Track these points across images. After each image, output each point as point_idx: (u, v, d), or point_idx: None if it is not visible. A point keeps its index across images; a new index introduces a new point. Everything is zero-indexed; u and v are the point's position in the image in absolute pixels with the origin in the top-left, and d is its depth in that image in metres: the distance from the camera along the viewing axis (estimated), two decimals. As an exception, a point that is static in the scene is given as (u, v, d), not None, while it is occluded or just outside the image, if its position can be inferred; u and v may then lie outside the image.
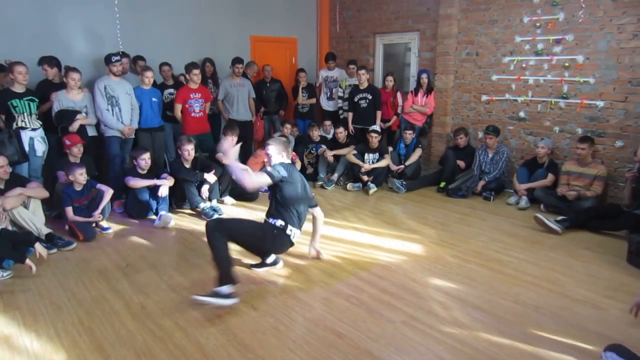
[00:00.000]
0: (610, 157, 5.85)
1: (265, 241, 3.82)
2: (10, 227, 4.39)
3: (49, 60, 5.74)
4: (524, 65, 6.51)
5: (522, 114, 6.66)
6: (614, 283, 3.94)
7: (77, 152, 5.29)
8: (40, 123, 5.49)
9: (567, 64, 6.08)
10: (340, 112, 8.21)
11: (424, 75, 7.41)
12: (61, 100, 5.53)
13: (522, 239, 4.94)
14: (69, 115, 5.53)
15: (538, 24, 6.26)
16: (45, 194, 4.92)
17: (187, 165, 5.82)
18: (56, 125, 5.57)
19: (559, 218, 5.21)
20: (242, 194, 6.19)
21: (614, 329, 3.24)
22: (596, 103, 5.89)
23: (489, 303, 3.57)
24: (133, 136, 6.14)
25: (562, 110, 6.24)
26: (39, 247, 4.12)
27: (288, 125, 7.52)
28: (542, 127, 6.47)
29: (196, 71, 6.49)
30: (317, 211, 4.28)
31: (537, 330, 3.20)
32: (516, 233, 5.13)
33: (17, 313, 3.44)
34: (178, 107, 6.55)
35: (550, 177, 5.97)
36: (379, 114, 7.53)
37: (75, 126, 5.55)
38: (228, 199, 6.24)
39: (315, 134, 7.46)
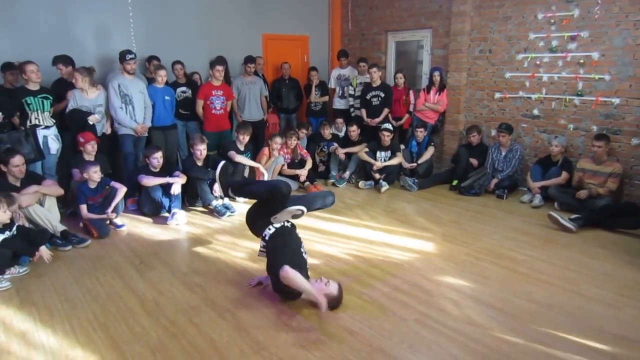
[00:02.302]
0: (626, 154, 5.78)
1: None
2: (26, 225, 4.44)
3: (64, 60, 5.79)
4: (538, 62, 6.45)
5: (536, 112, 6.60)
6: (630, 282, 3.89)
7: (91, 150, 5.33)
8: (54, 121, 5.55)
9: (582, 61, 6.01)
10: (352, 110, 8.21)
11: (437, 73, 7.38)
12: (77, 99, 5.58)
13: (535, 237, 4.90)
14: (81, 115, 5.58)
15: (552, 21, 6.19)
16: (60, 191, 4.97)
17: (200, 164, 5.85)
18: (67, 125, 5.63)
19: (573, 216, 5.16)
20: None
21: (629, 328, 3.20)
22: (612, 100, 5.82)
23: (502, 301, 3.55)
24: (146, 134, 6.18)
25: (576, 108, 6.18)
26: (43, 250, 4.12)
27: (304, 130, 7.54)
28: (557, 125, 6.40)
29: (220, 67, 6.52)
30: None
31: (551, 329, 3.18)
32: (530, 231, 5.09)
33: (33, 309, 3.49)
34: (200, 103, 6.60)
35: (565, 175, 5.92)
36: (386, 110, 7.53)
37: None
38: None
39: (327, 132, 7.47)
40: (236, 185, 4.25)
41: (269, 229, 3.62)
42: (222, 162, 4.24)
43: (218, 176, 4.19)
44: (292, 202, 3.77)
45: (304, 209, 3.69)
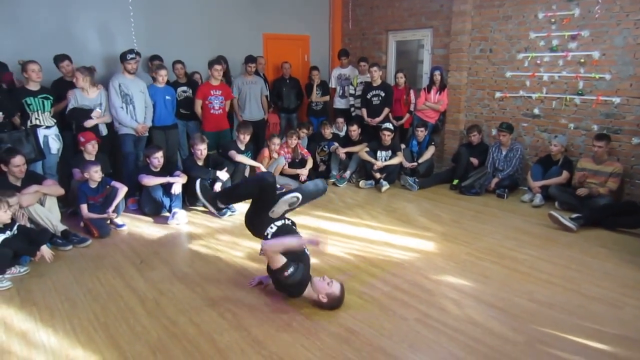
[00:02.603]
0: (627, 154, 5.77)
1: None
2: (27, 225, 4.44)
3: (68, 57, 5.78)
4: (538, 61, 6.45)
5: (536, 111, 6.59)
6: (631, 281, 3.89)
7: (92, 149, 5.33)
8: (55, 121, 5.55)
9: (582, 60, 6.01)
10: (352, 109, 8.21)
11: (437, 72, 7.37)
12: (77, 98, 5.58)
13: (536, 237, 4.90)
14: (83, 113, 5.58)
15: (553, 20, 6.19)
16: (60, 191, 4.97)
17: (200, 163, 5.85)
18: (69, 122, 5.63)
19: (574, 215, 5.16)
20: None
21: (630, 327, 3.20)
22: (612, 99, 5.82)
23: (503, 301, 3.55)
24: (147, 134, 6.18)
25: (577, 107, 6.17)
26: (44, 250, 4.13)
27: (305, 130, 7.53)
28: (557, 124, 6.40)
29: (218, 67, 6.52)
30: None
31: (552, 328, 3.17)
32: (530, 231, 5.08)
33: (34, 309, 3.48)
34: (198, 103, 6.59)
35: (565, 174, 5.91)
36: (386, 110, 7.53)
37: (90, 123, 5.60)
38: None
39: (328, 131, 7.46)
40: (222, 194, 4.21)
41: (271, 228, 3.59)
42: (198, 181, 4.19)
43: (200, 195, 4.14)
44: (284, 195, 3.75)
45: (299, 195, 3.67)
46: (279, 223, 3.64)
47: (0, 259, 3.87)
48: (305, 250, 3.58)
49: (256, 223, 3.72)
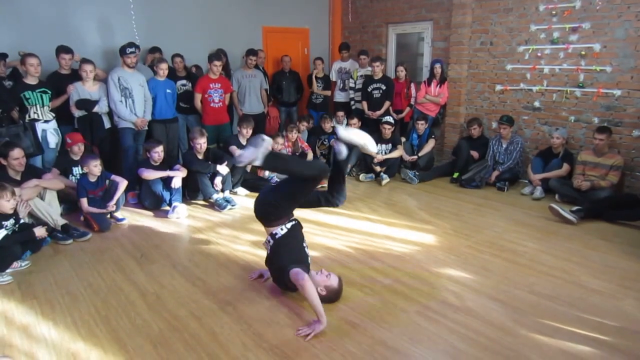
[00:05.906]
0: (627, 146, 5.77)
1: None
2: (26, 219, 4.44)
3: (72, 52, 5.73)
4: (539, 54, 6.43)
5: (537, 104, 6.58)
6: (631, 273, 3.89)
7: (78, 151, 5.34)
8: (53, 115, 5.54)
9: (583, 53, 5.99)
10: (352, 102, 8.19)
11: (437, 65, 7.35)
12: (78, 92, 5.57)
13: (536, 229, 4.89)
14: (91, 102, 5.64)
15: (554, 12, 6.16)
16: (60, 185, 4.96)
17: (200, 157, 5.84)
18: (78, 108, 5.63)
19: (574, 208, 5.15)
20: (255, 186, 6.20)
21: (630, 319, 3.20)
22: (613, 92, 5.80)
23: (503, 293, 3.55)
24: (146, 128, 6.17)
25: (578, 100, 6.16)
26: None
27: (305, 123, 7.51)
28: (558, 117, 6.39)
29: (217, 63, 6.52)
30: None
31: (553, 320, 3.18)
32: (531, 223, 5.08)
33: (34, 302, 3.49)
34: (198, 97, 6.58)
35: (566, 167, 5.91)
36: (387, 103, 7.51)
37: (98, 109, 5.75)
38: (241, 190, 6.25)
39: (328, 125, 7.44)
40: (277, 155, 3.85)
41: (281, 229, 3.46)
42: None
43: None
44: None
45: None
46: (289, 225, 3.51)
47: (9, 257, 3.92)
48: (305, 248, 3.55)
49: (281, 208, 3.49)
